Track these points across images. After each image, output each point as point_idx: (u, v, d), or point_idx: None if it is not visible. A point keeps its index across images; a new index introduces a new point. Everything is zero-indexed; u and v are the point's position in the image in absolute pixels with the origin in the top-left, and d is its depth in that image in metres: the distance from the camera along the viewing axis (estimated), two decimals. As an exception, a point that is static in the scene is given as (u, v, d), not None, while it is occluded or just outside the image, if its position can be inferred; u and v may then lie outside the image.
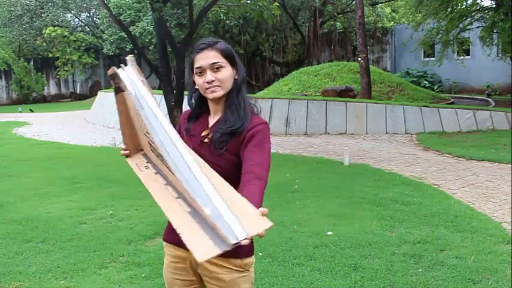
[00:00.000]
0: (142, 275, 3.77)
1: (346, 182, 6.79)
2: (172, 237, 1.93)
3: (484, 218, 5.13)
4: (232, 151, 1.83)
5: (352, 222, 4.97)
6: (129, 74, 1.69)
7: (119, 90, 1.74)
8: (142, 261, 4.03)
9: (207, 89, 1.84)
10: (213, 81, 1.82)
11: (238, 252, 1.82)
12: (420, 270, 3.77)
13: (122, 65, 1.73)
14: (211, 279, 1.89)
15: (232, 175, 1.76)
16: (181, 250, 1.92)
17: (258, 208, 1.43)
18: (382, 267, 3.81)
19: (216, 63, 1.82)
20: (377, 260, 3.97)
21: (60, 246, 4.43)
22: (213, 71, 1.82)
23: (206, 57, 1.82)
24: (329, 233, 4.62)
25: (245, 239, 1.27)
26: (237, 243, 1.27)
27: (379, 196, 5.94)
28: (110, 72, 1.74)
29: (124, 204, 5.79)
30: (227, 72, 1.84)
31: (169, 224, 1.98)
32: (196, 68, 1.84)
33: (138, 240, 4.55)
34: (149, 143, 1.69)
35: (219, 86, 1.83)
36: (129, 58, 1.72)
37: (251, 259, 1.92)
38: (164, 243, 2.04)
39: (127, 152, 1.90)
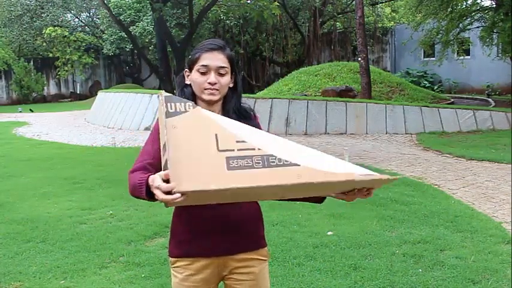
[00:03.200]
0: (142, 275, 3.77)
1: (346, 182, 6.78)
2: (188, 249, 1.87)
3: (484, 218, 5.13)
4: None
5: (352, 222, 4.97)
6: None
7: (169, 114, 1.57)
8: (142, 261, 4.03)
9: (205, 89, 1.82)
10: (215, 83, 1.82)
11: (262, 241, 1.96)
12: (420, 270, 3.77)
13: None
14: (242, 275, 1.89)
15: None
16: (203, 259, 1.86)
17: None
18: (382, 267, 3.81)
19: (222, 67, 1.83)
20: (377, 260, 3.97)
21: (60, 246, 4.43)
22: (218, 74, 1.82)
23: (215, 59, 1.82)
24: (329, 233, 4.62)
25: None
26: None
27: (379, 196, 5.93)
28: (162, 95, 1.61)
29: (124, 204, 5.78)
30: (228, 79, 1.86)
31: (179, 238, 1.89)
32: (201, 65, 1.82)
33: (138, 240, 4.54)
34: (230, 158, 1.53)
35: (217, 90, 1.83)
36: (162, 93, 1.64)
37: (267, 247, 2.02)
38: (174, 259, 1.90)
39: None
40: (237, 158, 1.53)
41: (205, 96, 1.83)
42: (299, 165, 1.54)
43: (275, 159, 1.54)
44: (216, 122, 1.58)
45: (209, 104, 1.85)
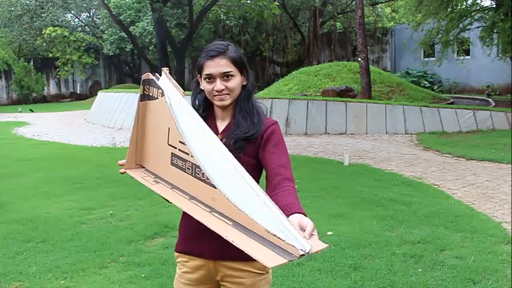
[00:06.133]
0: (142, 275, 3.77)
1: (346, 182, 6.79)
2: (187, 247, 1.92)
3: (484, 218, 5.13)
4: (250, 154, 1.82)
5: (352, 222, 4.97)
6: (167, 83, 1.71)
7: (146, 97, 1.72)
8: (142, 261, 4.03)
9: (215, 96, 1.83)
10: (223, 90, 1.80)
11: None
12: (420, 270, 3.77)
13: (157, 75, 1.75)
14: (233, 284, 1.88)
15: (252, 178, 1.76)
16: (198, 259, 1.89)
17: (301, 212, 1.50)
18: (382, 267, 3.82)
19: (227, 72, 1.80)
20: (377, 260, 3.97)
21: (60, 246, 4.43)
22: (223, 80, 1.80)
23: (217, 65, 1.79)
24: (329, 233, 4.62)
25: (307, 253, 1.28)
26: (303, 255, 1.27)
27: (379, 196, 5.94)
28: (145, 76, 1.73)
29: (124, 204, 5.79)
30: (237, 81, 1.83)
31: (183, 234, 1.96)
32: (205, 74, 1.82)
33: (138, 240, 4.54)
34: (173, 155, 1.64)
35: (228, 95, 1.82)
36: (164, 70, 1.75)
37: None
38: (176, 254, 1.98)
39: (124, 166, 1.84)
40: (177, 156, 1.62)
41: (217, 103, 1.84)
42: (215, 188, 1.48)
43: (200, 172, 1.54)
44: (173, 115, 1.61)
45: (221, 107, 1.86)
